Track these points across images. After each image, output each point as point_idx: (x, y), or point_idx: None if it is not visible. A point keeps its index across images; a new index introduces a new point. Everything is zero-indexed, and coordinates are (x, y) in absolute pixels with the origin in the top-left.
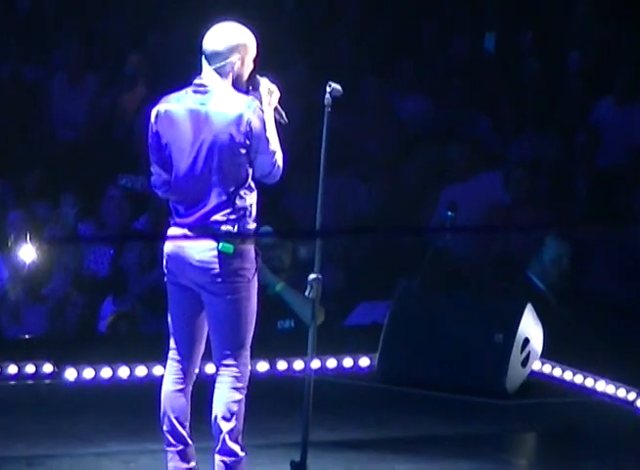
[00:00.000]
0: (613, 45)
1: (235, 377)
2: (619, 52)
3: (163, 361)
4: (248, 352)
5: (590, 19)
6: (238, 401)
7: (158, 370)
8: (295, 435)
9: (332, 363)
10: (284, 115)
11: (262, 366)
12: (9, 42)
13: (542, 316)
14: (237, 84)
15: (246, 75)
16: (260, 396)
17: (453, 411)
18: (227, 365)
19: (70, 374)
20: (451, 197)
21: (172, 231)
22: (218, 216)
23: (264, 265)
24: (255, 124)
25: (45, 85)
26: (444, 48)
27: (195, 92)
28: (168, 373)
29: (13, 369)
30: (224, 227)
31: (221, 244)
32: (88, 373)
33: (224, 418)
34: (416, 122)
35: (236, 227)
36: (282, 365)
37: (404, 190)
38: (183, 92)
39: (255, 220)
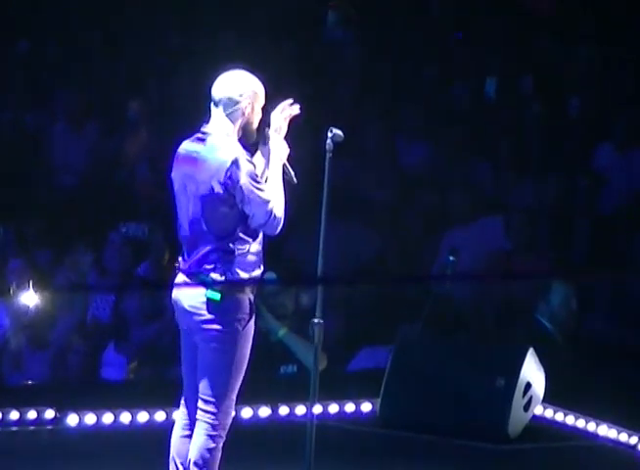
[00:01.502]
0: (613, 90)
1: (212, 425)
2: (620, 97)
3: (165, 407)
4: (230, 401)
5: (590, 64)
6: (212, 449)
7: (159, 416)
8: None
9: (334, 408)
10: (293, 175)
11: (264, 411)
12: (10, 88)
13: (548, 358)
14: (245, 132)
15: (255, 123)
16: (262, 441)
17: (455, 456)
18: (206, 411)
19: (72, 420)
20: (453, 242)
21: (177, 278)
22: (207, 265)
23: (267, 312)
24: (236, 176)
25: (46, 132)
26: (445, 93)
27: (196, 139)
28: (177, 418)
29: (14, 415)
30: (213, 275)
31: (209, 291)
32: (90, 419)
33: (196, 464)
34: (417, 168)
35: (224, 277)
36: (284, 410)
37: (406, 235)
38: (191, 138)
39: (250, 270)
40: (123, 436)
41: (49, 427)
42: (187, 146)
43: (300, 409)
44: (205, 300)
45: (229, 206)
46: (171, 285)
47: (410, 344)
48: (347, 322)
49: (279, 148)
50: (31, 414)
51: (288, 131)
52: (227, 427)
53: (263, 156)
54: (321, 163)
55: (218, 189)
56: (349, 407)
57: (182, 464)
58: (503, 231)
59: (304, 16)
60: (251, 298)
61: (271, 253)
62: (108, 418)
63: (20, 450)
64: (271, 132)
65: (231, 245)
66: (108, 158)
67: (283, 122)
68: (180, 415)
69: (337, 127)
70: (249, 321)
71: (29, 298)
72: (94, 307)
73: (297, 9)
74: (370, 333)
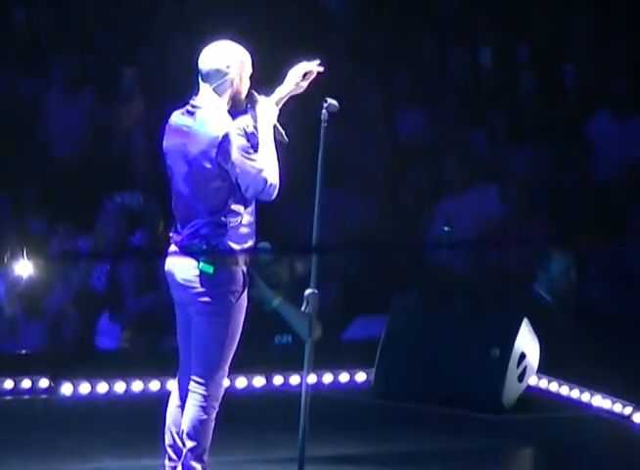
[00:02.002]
0: (608, 59)
1: (204, 396)
2: (615, 66)
3: (159, 377)
4: (222, 373)
5: (586, 32)
6: (204, 421)
7: (154, 385)
8: (291, 450)
9: (328, 378)
10: (284, 133)
11: (259, 381)
12: (4, 57)
13: (544, 328)
14: (235, 102)
15: (244, 93)
16: (257, 410)
17: (450, 426)
18: (199, 383)
19: (67, 389)
20: (447, 210)
21: (170, 248)
22: (199, 238)
23: (261, 281)
24: (228, 151)
25: (41, 99)
26: (440, 62)
27: (186, 112)
28: (173, 388)
29: (9, 384)
30: (205, 247)
31: (201, 264)
32: (84, 388)
33: (189, 435)
34: (412, 136)
35: (218, 248)
36: (278, 380)
37: (400, 204)
38: (181, 110)
39: (243, 242)
40: (118, 405)
41: (43, 396)
42: (177, 118)
43: (295, 379)
44: (197, 272)
45: (221, 180)
46: (165, 256)
47: (404, 313)
48: (342, 291)
49: (268, 110)
50: (26, 383)
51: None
52: (219, 398)
53: (253, 120)
54: (316, 132)
55: (210, 164)
56: (344, 377)
57: (177, 433)
58: (498, 199)
59: None
60: (244, 269)
61: (266, 222)
62: (102, 387)
63: (14, 419)
64: (256, 95)
65: (223, 218)
66: (103, 125)
67: (299, 80)
68: (176, 386)
69: (331, 97)
70: (242, 293)
71: (24, 267)
72: (89, 277)
73: None
74: (365, 302)
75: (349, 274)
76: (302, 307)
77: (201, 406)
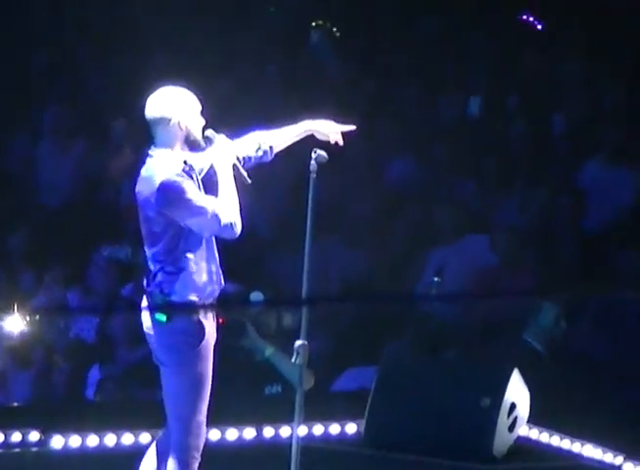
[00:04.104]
0: (598, 107)
1: (182, 448)
2: (605, 114)
3: (150, 429)
4: (197, 423)
5: (575, 81)
6: None
7: (144, 438)
8: None
9: (319, 429)
10: (245, 174)
11: (249, 432)
12: None
13: (534, 378)
14: (190, 143)
15: (197, 134)
16: (247, 462)
17: None
18: (176, 434)
19: (57, 442)
20: (438, 260)
21: (143, 300)
22: (155, 285)
23: (253, 331)
24: (167, 197)
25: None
26: (430, 110)
27: (143, 162)
28: (152, 445)
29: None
30: (159, 296)
31: (157, 313)
32: (75, 441)
33: None
34: (402, 185)
35: (168, 297)
36: (269, 432)
37: (390, 253)
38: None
39: (201, 290)
40: (108, 458)
41: (34, 449)
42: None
43: (285, 430)
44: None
45: (165, 225)
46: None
47: (395, 363)
48: (332, 342)
49: (224, 150)
50: (16, 436)
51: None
52: (200, 447)
53: (209, 159)
54: (304, 182)
55: (152, 212)
56: (334, 428)
57: None
58: (489, 248)
59: (287, 36)
60: (207, 317)
61: (254, 272)
62: (92, 440)
63: None
64: (214, 134)
65: (172, 265)
66: (93, 176)
67: (331, 132)
68: (159, 436)
69: (321, 146)
70: (201, 342)
71: (14, 322)
72: (78, 328)
73: (280, 31)
74: (355, 353)
75: (339, 325)
76: (293, 359)
77: (180, 458)
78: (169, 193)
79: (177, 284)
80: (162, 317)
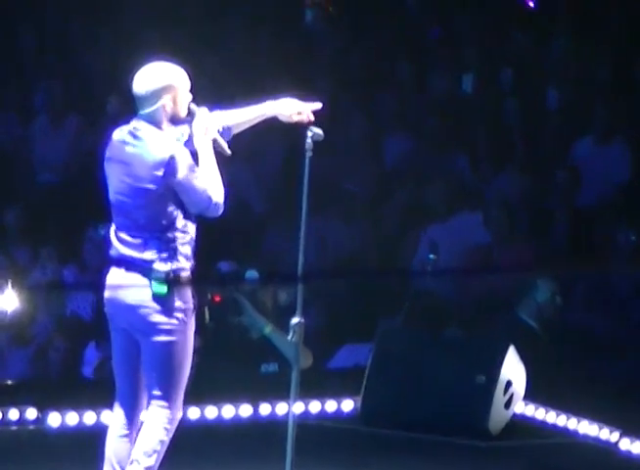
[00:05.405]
0: (591, 83)
1: (167, 418)
2: (597, 89)
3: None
4: (179, 395)
5: (568, 57)
6: (164, 442)
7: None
8: None
9: (315, 407)
10: (225, 147)
11: (245, 410)
12: None
13: (530, 355)
14: (175, 118)
15: (182, 112)
16: (243, 439)
17: (436, 453)
18: (161, 406)
19: (54, 419)
20: (432, 237)
21: (112, 273)
22: (149, 254)
23: (252, 308)
24: (175, 171)
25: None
26: (422, 86)
27: (129, 133)
28: (113, 420)
29: None
30: (156, 265)
31: (154, 284)
32: (72, 418)
33: (145, 453)
34: (395, 162)
35: (169, 265)
36: (265, 409)
37: (385, 229)
38: (126, 128)
39: (190, 259)
40: (104, 435)
41: (31, 426)
42: (120, 137)
43: (282, 408)
44: (149, 292)
45: (167, 200)
46: (103, 283)
47: (390, 341)
48: (328, 319)
49: (205, 123)
50: (13, 414)
51: (263, 125)
52: (177, 421)
53: (190, 130)
54: (299, 159)
55: (156, 185)
56: (330, 405)
57: (118, 463)
58: (483, 225)
59: (282, 11)
60: (194, 290)
61: (250, 249)
62: (89, 418)
63: (1, 450)
64: (195, 107)
65: (171, 234)
66: (87, 152)
67: (292, 112)
68: (116, 415)
69: (315, 123)
70: (192, 312)
71: (9, 298)
72: (74, 305)
73: (274, 5)
74: (351, 330)
75: (335, 302)
76: (289, 337)
77: (164, 428)
78: (179, 166)
79: (175, 253)
80: (162, 289)
